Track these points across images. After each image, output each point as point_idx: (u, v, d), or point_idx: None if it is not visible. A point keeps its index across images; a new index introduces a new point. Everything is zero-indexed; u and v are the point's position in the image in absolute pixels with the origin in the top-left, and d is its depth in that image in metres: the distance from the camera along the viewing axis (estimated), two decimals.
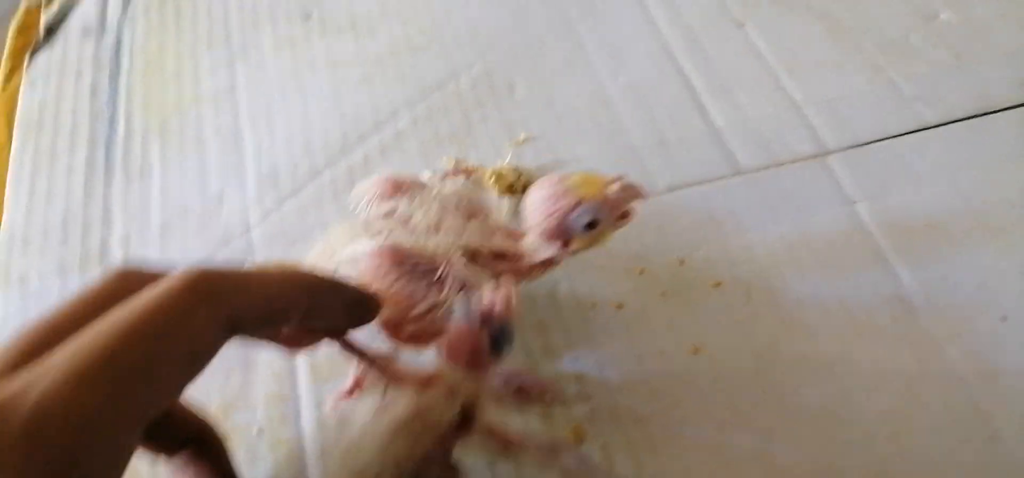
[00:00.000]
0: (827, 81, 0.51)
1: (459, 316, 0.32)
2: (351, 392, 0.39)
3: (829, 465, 0.37)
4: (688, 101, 0.51)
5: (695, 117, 0.50)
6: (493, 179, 0.47)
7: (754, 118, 0.50)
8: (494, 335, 0.32)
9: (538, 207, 0.36)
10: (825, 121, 0.49)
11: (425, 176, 0.42)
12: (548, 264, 0.38)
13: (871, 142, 0.48)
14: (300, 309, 0.29)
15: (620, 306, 0.42)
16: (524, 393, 0.39)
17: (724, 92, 0.51)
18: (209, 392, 0.41)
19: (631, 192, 0.37)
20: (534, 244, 0.38)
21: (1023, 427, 0.37)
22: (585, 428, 0.39)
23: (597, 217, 0.36)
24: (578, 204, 0.35)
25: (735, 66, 0.52)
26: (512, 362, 0.41)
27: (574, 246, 0.37)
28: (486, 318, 0.32)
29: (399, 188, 0.40)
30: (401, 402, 0.32)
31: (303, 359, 0.42)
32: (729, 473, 0.37)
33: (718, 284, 0.43)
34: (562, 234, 0.36)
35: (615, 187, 0.36)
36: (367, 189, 0.40)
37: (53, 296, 0.45)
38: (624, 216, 0.37)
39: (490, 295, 0.32)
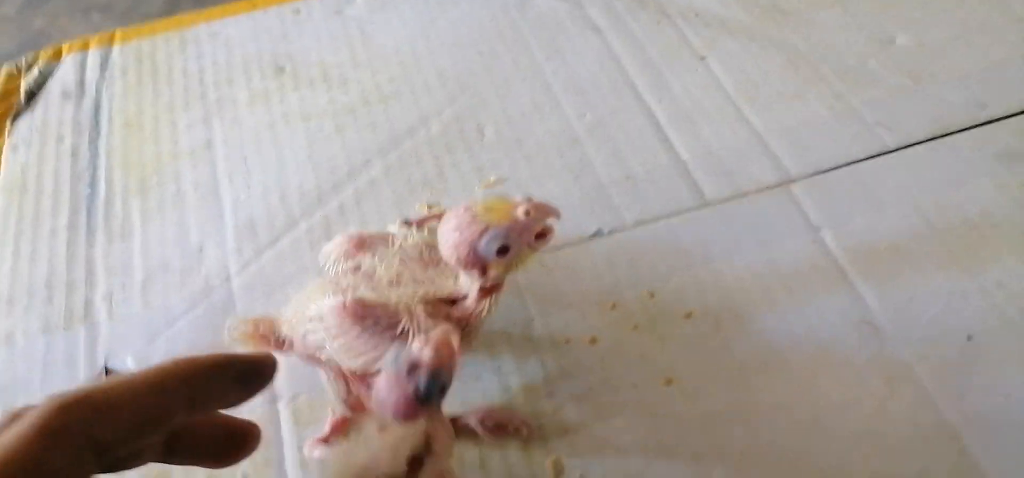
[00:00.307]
0: (788, 110, 0.52)
1: (388, 365, 0.33)
2: (327, 439, 0.40)
3: None
4: (653, 135, 0.52)
5: (660, 151, 0.51)
6: None
7: (718, 149, 0.51)
8: (423, 384, 0.31)
9: (447, 239, 0.36)
10: (787, 149, 0.50)
11: (392, 228, 0.43)
12: (486, 295, 0.37)
13: (833, 168, 0.49)
14: (182, 405, 0.28)
15: (594, 340, 0.43)
16: (502, 429, 0.40)
17: (688, 125, 0.52)
18: None
19: (541, 211, 0.36)
20: (460, 279, 0.38)
21: (991, 443, 0.38)
22: (564, 461, 0.39)
23: (506, 242, 0.35)
24: (485, 230, 0.35)
25: (698, 99, 0.54)
26: (491, 399, 0.42)
27: (492, 273, 0.36)
28: (413, 367, 0.32)
29: (363, 244, 0.41)
30: (362, 448, 0.33)
31: (285, 404, 0.42)
32: None
33: (689, 314, 0.44)
34: (475, 262, 0.36)
35: (521, 209, 0.35)
36: (332, 248, 0.42)
37: (39, 354, 0.46)
38: (542, 236, 0.36)
39: (420, 344, 0.32)
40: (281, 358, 0.43)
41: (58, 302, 0.48)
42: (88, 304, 0.48)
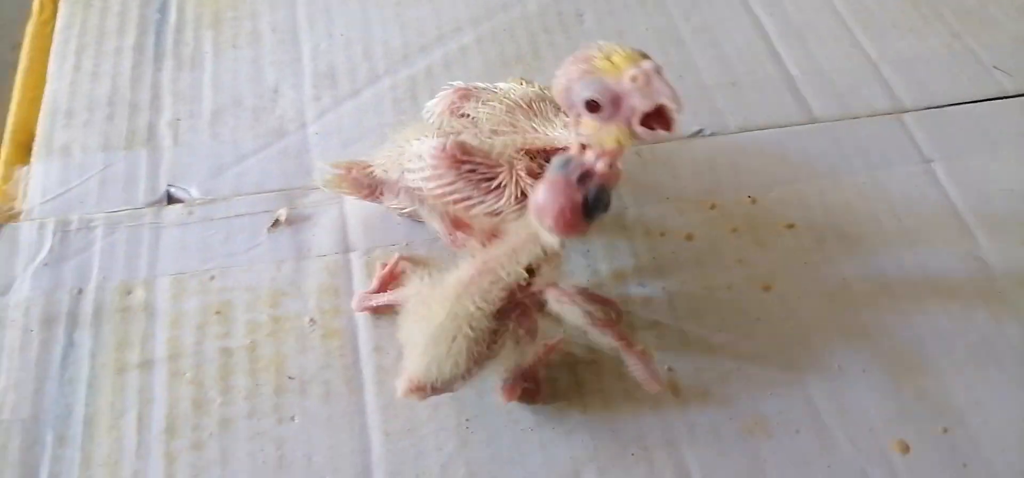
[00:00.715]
0: (903, 41, 0.50)
1: (553, 170, 0.28)
2: (378, 290, 0.38)
3: (901, 410, 0.35)
4: (761, 46, 0.50)
5: (768, 62, 0.49)
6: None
7: (828, 69, 0.48)
8: (593, 195, 0.28)
9: (559, 70, 0.32)
10: (901, 80, 0.48)
11: (502, 84, 0.40)
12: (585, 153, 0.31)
13: (948, 105, 0.47)
14: None
15: (690, 237, 0.41)
16: (591, 300, 0.38)
17: (798, 41, 0.50)
18: (259, 279, 0.39)
19: (651, 87, 0.29)
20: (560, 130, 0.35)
21: None
22: (652, 352, 0.37)
23: (597, 98, 0.30)
24: (584, 74, 0.30)
25: (810, 17, 0.51)
26: (579, 281, 0.39)
27: (583, 130, 0.31)
28: (585, 175, 0.28)
29: (469, 96, 0.39)
30: (464, 265, 0.31)
31: (358, 256, 0.40)
32: (800, 409, 0.35)
33: (791, 225, 0.42)
34: (569, 105, 0.32)
35: (629, 73, 0.29)
36: (437, 101, 0.39)
37: (96, 170, 0.43)
38: (651, 123, 0.30)
39: (592, 154, 0.29)
40: (358, 208, 0.41)
41: (120, 121, 0.46)
42: (152, 128, 0.45)
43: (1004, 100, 0.47)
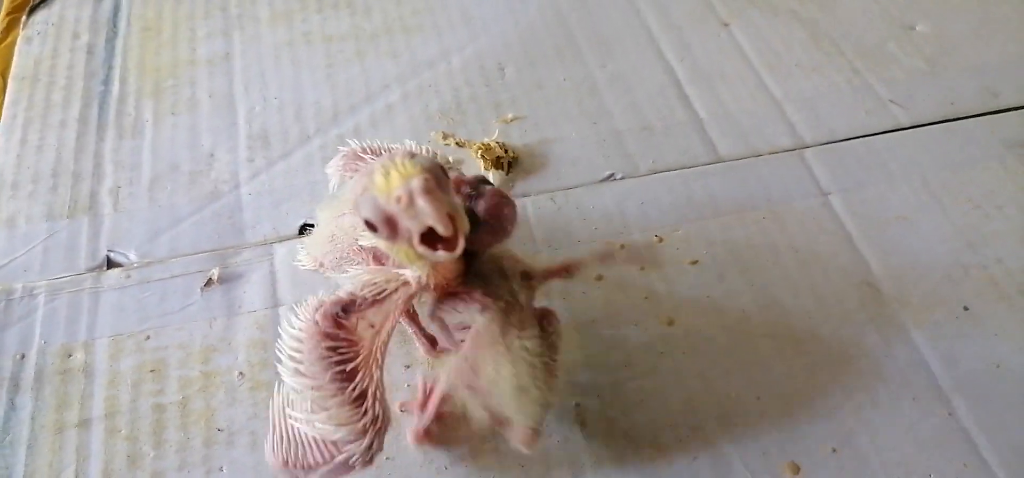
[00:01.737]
0: (806, 81, 0.53)
1: (480, 200, 0.31)
2: (423, 407, 0.38)
3: (793, 433, 0.38)
4: (672, 92, 0.53)
5: (678, 107, 0.52)
6: (480, 152, 0.48)
7: (735, 111, 0.51)
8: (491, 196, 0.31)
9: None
10: (803, 117, 0.51)
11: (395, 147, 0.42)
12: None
13: (847, 139, 0.50)
14: None
15: (600, 278, 0.43)
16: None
17: (707, 85, 0.53)
18: (192, 336, 0.41)
19: (423, 210, 0.27)
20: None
21: (979, 407, 0.38)
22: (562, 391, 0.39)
23: (371, 219, 0.28)
24: (364, 190, 0.28)
25: (718, 62, 0.54)
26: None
27: (375, 242, 0.31)
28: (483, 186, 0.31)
29: (360, 158, 0.40)
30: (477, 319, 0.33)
31: (286, 310, 0.42)
32: (698, 437, 0.38)
33: (695, 262, 0.44)
34: (357, 216, 0.29)
35: (397, 193, 0.27)
36: (333, 165, 0.41)
37: (39, 239, 0.46)
38: (443, 242, 0.28)
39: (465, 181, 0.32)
40: (287, 264, 0.44)
41: (63, 191, 0.48)
42: (93, 196, 0.48)
43: (899, 132, 0.50)
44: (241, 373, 0.40)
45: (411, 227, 0.28)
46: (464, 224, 0.28)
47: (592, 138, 0.50)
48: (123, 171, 0.49)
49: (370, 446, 0.31)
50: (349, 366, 0.31)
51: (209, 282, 0.44)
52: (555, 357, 0.34)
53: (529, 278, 0.34)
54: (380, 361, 0.32)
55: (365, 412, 0.31)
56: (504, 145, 0.49)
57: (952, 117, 0.51)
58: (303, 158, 0.49)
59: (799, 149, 0.49)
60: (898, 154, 0.49)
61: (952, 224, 0.45)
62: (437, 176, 0.28)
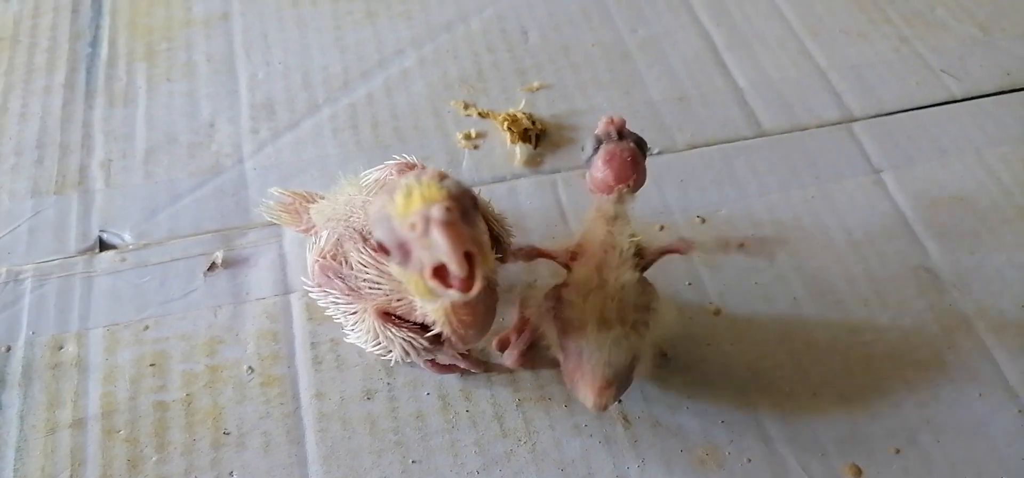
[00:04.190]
0: (852, 48, 0.50)
1: (597, 148, 0.32)
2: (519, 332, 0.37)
3: (853, 432, 0.35)
4: (709, 59, 0.49)
5: (716, 75, 0.48)
6: (507, 124, 0.44)
7: (777, 80, 0.48)
8: (636, 139, 0.32)
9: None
10: (850, 87, 0.47)
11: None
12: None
13: (897, 112, 0.46)
14: None
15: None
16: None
17: (746, 52, 0.49)
18: (196, 326, 0.38)
19: (432, 241, 0.24)
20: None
21: None
22: None
23: (384, 242, 0.26)
24: (380, 210, 0.26)
25: (757, 27, 0.51)
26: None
27: (389, 266, 0.28)
28: (621, 131, 0.32)
29: (406, 172, 0.36)
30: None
31: (297, 297, 0.39)
32: (752, 436, 0.35)
33: (741, 244, 0.41)
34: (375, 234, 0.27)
35: (412, 219, 0.24)
36: (378, 172, 0.36)
37: (25, 217, 0.42)
38: (458, 281, 0.25)
39: (600, 123, 0.32)
40: (297, 246, 0.40)
41: (49, 164, 0.44)
42: (83, 169, 0.44)
43: (952, 105, 0.47)
44: (251, 367, 0.37)
45: (424, 259, 0.25)
46: (487, 264, 0.25)
47: (625, 109, 0.46)
48: (115, 142, 0.45)
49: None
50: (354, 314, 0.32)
51: (213, 266, 0.40)
52: (647, 316, 0.33)
53: (640, 249, 0.33)
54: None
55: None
56: (531, 116, 0.45)
57: (1008, 88, 0.48)
58: (312, 128, 0.45)
59: (847, 122, 0.46)
60: (950, 129, 0.46)
61: (1013, 204, 0.42)
62: (464, 206, 0.25)
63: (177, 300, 0.39)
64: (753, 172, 0.44)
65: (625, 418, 0.35)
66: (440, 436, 0.35)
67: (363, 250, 0.32)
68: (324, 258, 0.33)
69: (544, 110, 0.46)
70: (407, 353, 0.32)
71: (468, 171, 0.44)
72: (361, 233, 0.32)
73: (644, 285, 0.33)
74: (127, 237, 0.41)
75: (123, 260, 0.40)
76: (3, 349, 0.37)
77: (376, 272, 0.31)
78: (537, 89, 0.47)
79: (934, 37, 0.50)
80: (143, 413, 0.36)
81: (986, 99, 0.47)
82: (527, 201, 0.42)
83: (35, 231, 0.41)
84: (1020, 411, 0.35)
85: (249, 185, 0.43)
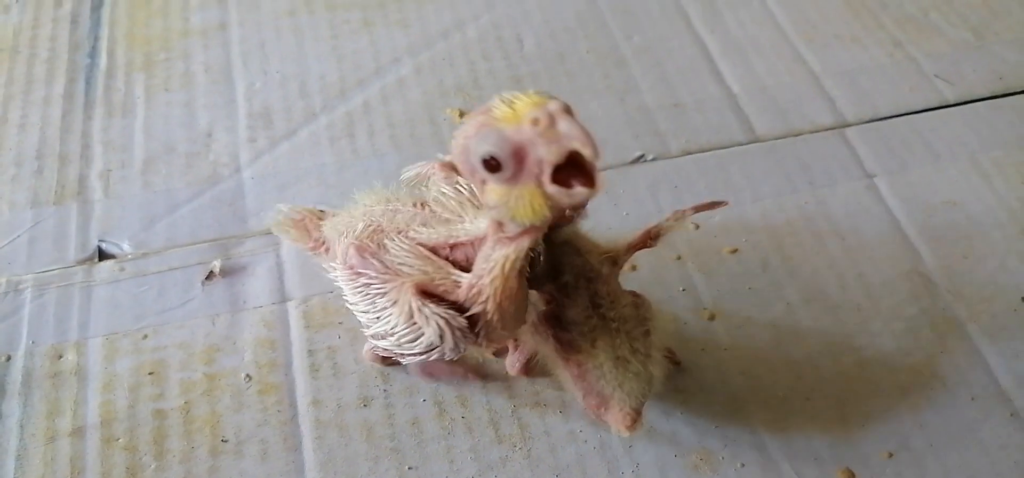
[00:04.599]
0: (845, 53, 0.50)
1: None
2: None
3: (847, 436, 0.35)
4: (703, 65, 0.49)
5: (710, 82, 0.48)
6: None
7: (771, 86, 0.48)
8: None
9: (459, 130, 0.27)
10: (843, 93, 0.48)
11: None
12: (500, 242, 0.28)
13: (890, 117, 0.47)
14: None
15: (634, 268, 0.40)
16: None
17: (741, 58, 0.50)
18: (194, 335, 0.38)
19: (559, 132, 0.24)
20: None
21: None
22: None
23: (496, 153, 0.25)
24: (481, 128, 0.25)
25: (751, 33, 0.51)
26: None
27: (488, 198, 0.26)
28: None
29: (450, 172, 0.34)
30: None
31: (296, 305, 0.39)
32: (745, 441, 0.35)
33: (734, 250, 0.41)
34: (469, 169, 0.26)
35: (531, 116, 0.24)
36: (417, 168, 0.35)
37: (24, 227, 0.42)
38: (578, 177, 0.25)
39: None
40: (295, 254, 0.40)
41: (49, 175, 0.44)
42: (82, 179, 0.44)
43: (945, 109, 0.47)
44: (248, 375, 0.37)
45: (547, 156, 0.24)
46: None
47: (620, 115, 0.47)
48: (114, 153, 0.45)
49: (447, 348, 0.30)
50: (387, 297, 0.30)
51: (210, 275, 0.40)
52: (648, 332, 0.33)
53: (613, 258, 0.32)
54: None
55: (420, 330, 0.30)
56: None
57: (1001, 92, 0.48)
58: (309, 137, 0.46)
59: (840, 127, 0.46)
60: (944, 133, 0.46)
61: (1006, 208, 0.43)
62: (569, 107, 0.25)
63: (175, 309, 0.39)
64: (747, 178, 0.44)
65: None
66: (436, 442, 0.35)
67: (401, 240, 0.31)
68: (361, 241, 0.32)
69: None
70: (441, 336, 0.30)
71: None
72: (396, 230, 0.32)
73: (637, 300, 0.33)
74: (126, 247, 0.42)
75: (122, 270, 0.41)
76: (3, 358, 0.38)
77: (411, 256, 0.30)
78: None
79: (927, 42, 0.50)
80: (142, 421, 0.36)
81: (979, 103, 0.47)
82: None
83: (35, 241, 0.42)
84: (1012, 414, 0.36)
85: (246, 194, 0.43)
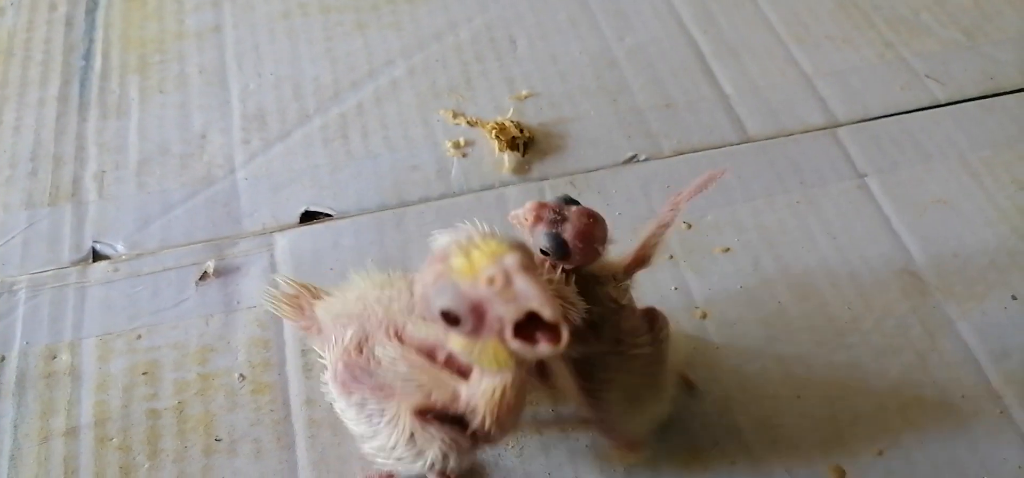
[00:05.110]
0: (837, 54, 0.50)
1: (556, 236, 0.28)
2: None
3: (837, 434, 0.35)
4: (696, 66, 0.50)
5: (703, 82, 0.49)
6: (495, 132, 0.45)
7: (763, 86, 0.48)
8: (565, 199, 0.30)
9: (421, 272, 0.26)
10: (835, 93, 0.48)
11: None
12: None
13: (881, 117, 0.47)
14: None
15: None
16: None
17: (733, 59, 0.50)
18: (187, 335, 0.38)
19: (518, 293, 0.23)
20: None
21: None
22: None
23: (453, 309, 0.24)
24: (438, 278, 0.24)
25: (744, 34, 0.51)
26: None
27: (452, 344, 0.26)
28: (557, 208, 0.29)
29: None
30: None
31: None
32: (735, 441, 0.35)
33: (726, 250, 0.41)
34: (430, 317, 0.25)
35: (487, 274, 0.23)
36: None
37: (19, 228, 0.42)
38: (544, 332, 0.24)
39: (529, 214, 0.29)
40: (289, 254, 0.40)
41: (43, 176, 0.45)
42: (77, 181, 0.44)
43: (936, 109, 0.47)
44: (242, 375, 0.37)
45: (505, 315, 0.23)
46: (574, 310, 0.25)
47: (612, 116, 0.47)
48: (108, 154, 0.45)
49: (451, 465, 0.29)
50: (380, 403, 0.29)
51: (204, 275, 0.40)
52: (664, 363, 0.32)
53: (619, 281, 0.31)
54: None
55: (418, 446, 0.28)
56: (519, 124, 0.46)
57: (991, 92, 0.48)
58: (303, 139, 0.46)
59: (832, 127, 0.46)
60: (934, 133, 0.46)
61: (996, 207, 0.43)
62: (530, 255, 0.24)
63: (169, 309, 0.39)
64: (739, 178, 0.44)
65: None
66: None
67: (392, 344, 0.29)
68: (349, 356, 0.30)
69: (532, 118, 0.47)
70: (446, 456, 0.29)
71: (457, 179, 0.44)
72: (388, 326, 0.29)
73: (655, 329, 0.32)
74: (120, 247, 0.42)
75: (116, 270, 0.41)
76: None
77: (408, 367, 0.28)
78: (525, 97, 0.48)
79: (918, 42, 0.51)
80: (135, 421, 0.36)
81: (970, 103, 0.48)
82: (515, 208, 0.43)
83: (29, 243, 0.42)
84: (1002, 412, 0.36)
85: (241, 195, 0.44)
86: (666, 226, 0.32)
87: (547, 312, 0.23)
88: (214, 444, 0.35)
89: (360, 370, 0.29)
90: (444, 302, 0.24)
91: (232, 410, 0.36)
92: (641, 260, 0.32)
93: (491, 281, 0.23)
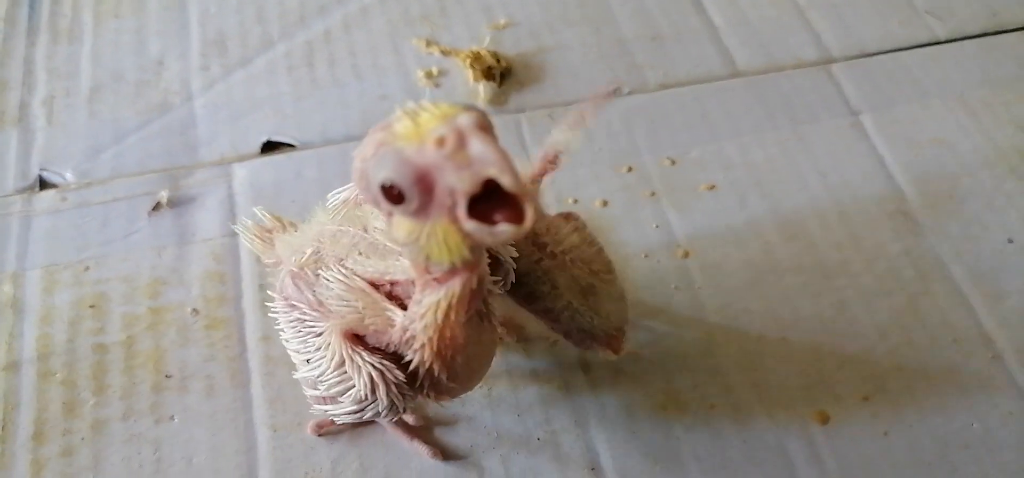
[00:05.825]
0: None
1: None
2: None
3: (822, 378, 0.34)
4: None
5: (691, 12, 0.46)
6: (469, 62, 0.42)
7: (753, 18, 0.46)
8: None
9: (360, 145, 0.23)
10: (829, 27, 0.46)
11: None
12: (427, 286, 0.23)
13: (878, 53, 0.45)
14: None
15: (605, 203, 0.39)
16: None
17: None
18: (138, 268, 0.36)
19: (472, 155, 0.19)
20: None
21: None
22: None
23: (395, 181, 0.20)
24: (379, 147, 0.20)
25: None
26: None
27: (395, 231, 0.22)
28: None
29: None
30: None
31: (245, 238, 0.37)
32: (716, 383, 0.33)
33: (712, 187, 0.39)
34: (370, 197, 0.22)
35: (435, 135, 0.19)
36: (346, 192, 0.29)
37: None
38: (505, 211, 0.20)
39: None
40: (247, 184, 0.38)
41: None
42: (24, 106, 0.42)
43: (935, 46, 0.45)
44: (195, 310, 0.35)
45: (458, 184, 0.19)
46: (534, 187, 0.22)
47: (595, 47, 0.44)
48: (58, 80, 0.43)
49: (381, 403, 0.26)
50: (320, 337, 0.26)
51: (157, 206, 0.38)
52: (601, 250, 0.31)
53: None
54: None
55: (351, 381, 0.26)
56: (496, 54, 0.43)
57: (994, 30, 0.46)
58: (265, 66, 0.43)
59: (825, 63, 0.44)
60: (932, 70, 0.44)
61: (994, 147, 0.41)
62: (487, 118, 0.20)
63: (119, 241, 0.37)
64: (726, 113, 0.42)
65: (585, 366, 0.34)
66: None
67: (333, 266, 0.27)
68: (298, 271, 0.28)
69: (510, 48, 0.44)
70: (373, 388, 0.26)
71: None
72: (340, 257, 0.27)
73: (575, 223, 0.30)
74: (69, 176, 0.39)
75: (64, 199, 0.38)
76: None
77: (344, 288, 0.26)
78: (503, 26, 0.45)
79: None
80: (81, 356, 0.34)
81: (970, 41, 0.45)
82: None
83: None
84: (994, 357, 0.34)
85: (198, 123, 0.41)
86: (567, 137, 0.28)
87: (507, 180, 0.19)
88: (164, 381, 0.33)
89: (304, 282, 0.27)
90: (385, 173, 0.20)
91: (184, 345, 0.34)
92: (548, 166, 0.28)
93: (441, 142, 0.19)
